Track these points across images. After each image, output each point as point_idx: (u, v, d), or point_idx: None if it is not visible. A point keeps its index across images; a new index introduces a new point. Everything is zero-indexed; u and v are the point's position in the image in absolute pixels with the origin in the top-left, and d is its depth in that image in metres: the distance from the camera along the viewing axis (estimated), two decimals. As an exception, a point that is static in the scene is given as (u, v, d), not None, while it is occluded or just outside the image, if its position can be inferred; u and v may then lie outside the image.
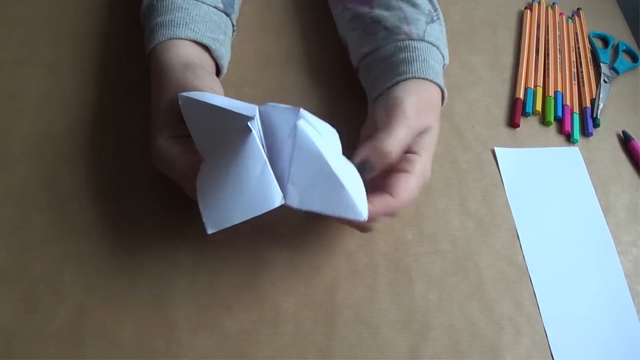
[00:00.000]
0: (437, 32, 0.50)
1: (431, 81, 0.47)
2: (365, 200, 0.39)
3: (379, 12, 0.51)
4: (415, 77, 0.46)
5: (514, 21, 0.65)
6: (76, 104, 0.52)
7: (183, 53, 0.46)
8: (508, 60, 0.61)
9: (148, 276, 0.42)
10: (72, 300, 0.41)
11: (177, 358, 0.39)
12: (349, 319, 0.42)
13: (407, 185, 0.41)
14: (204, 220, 0.36)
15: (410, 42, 0.48)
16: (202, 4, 0.50)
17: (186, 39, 0.47)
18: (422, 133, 0.44)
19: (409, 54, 0.48)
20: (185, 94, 0.40)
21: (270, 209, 0.36)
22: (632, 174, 0.52)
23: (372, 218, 0.39)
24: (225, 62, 0.51)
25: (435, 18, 0.51)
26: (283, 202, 0.37)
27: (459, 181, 0.50)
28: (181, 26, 0.47)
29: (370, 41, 0.51)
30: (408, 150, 0.43)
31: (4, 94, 0.53)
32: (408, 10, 0.50)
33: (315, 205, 0.37)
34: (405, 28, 0.49)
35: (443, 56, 0.50)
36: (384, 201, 0.40)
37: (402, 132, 0.42)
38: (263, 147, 0.37)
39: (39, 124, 0.50)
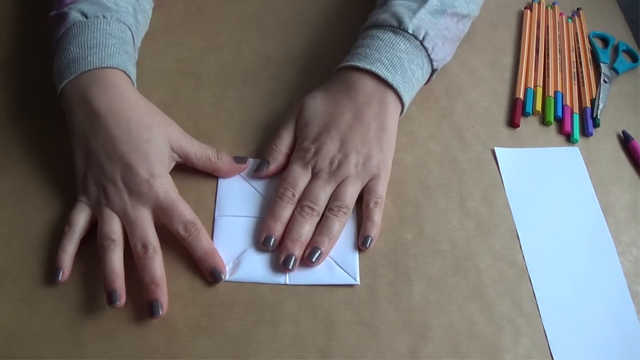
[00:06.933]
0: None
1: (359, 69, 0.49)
2: (356, 264, 0.44)
3: None
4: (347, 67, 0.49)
5: (514, 21, 0.65)
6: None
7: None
8: (508, 60, 0.60)
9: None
10: (72, 300, 0.41)
11: (177, 358, 0.39)
12: (349, 320, 0.42)
13: (289, 163, 0.48)
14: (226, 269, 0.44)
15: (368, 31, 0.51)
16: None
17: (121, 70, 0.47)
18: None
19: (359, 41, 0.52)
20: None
21: (274, 284, 0.43)
22: (632, 174, 0.52)
23: (273, 203, 0.45)
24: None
25: None
26: (285, 283, 0.43)
27: (459, 181, 0.50)
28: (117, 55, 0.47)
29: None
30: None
31: (6, 95, 0.53)
32: None
33: (311, 279, 0.43)
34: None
35: (400, 20, 0.49)
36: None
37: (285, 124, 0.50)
38: None
39: (40, 123, 0.51)
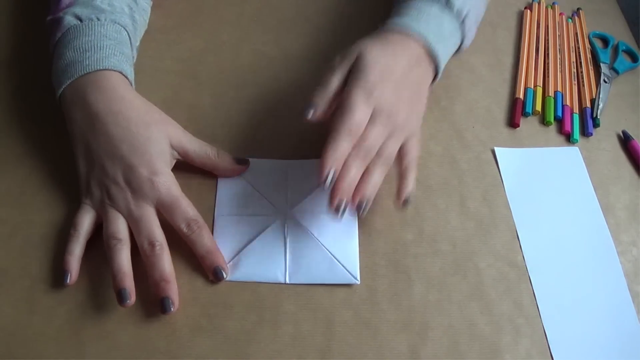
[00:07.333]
0: None
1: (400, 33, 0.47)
2: (357, 264, 0.44)
3: None
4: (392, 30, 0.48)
5: (514, 21, 0.65)
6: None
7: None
8: (508, 60, 0.60)
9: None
10: (72, 300, 0.41)
11: (177, 358, 0.39)
12: (349, 320, 0.42)
13: (349, 96, 0.43)
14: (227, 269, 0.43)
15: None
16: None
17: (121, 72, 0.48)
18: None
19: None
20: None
21: (274, 282, 0.43)
22: (632, 174, 0.52)
23: (338, 138, 0.41)
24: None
25: None
26: (285, 282, 0.43)
27: (459, 181, 0.50)
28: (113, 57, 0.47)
29: None
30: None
31: (6, 95, 0.53)
32: None
33: (312, 278, 0.43)
34: None
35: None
36: (339, 119, 0.42)
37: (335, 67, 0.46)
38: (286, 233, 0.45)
39: (39, 123, 0.51)
